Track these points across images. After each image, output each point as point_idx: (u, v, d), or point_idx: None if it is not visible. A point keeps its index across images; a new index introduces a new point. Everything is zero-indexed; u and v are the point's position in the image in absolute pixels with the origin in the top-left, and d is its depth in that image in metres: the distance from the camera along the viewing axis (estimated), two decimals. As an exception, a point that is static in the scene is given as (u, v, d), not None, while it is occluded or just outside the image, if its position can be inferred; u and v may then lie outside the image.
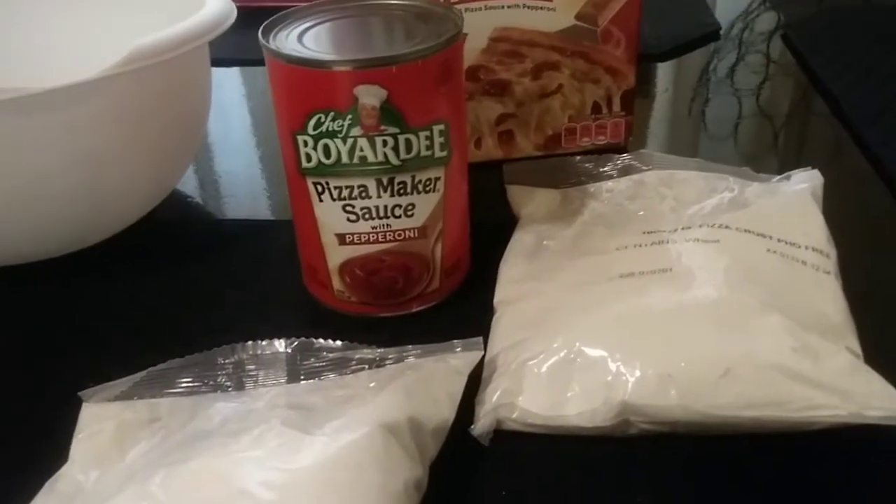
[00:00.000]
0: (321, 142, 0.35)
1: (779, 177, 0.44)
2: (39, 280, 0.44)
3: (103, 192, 0.42)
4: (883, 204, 0.47)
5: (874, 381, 0.31)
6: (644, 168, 0.45)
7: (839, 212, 0.41)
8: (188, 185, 0.53)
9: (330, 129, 0.34)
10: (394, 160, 0.35)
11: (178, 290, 0.43)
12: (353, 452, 0.27)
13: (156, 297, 0.43)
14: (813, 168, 0.43)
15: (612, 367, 0.32)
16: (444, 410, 0.31)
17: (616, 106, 0.52)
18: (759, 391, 0.30)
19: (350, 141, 0.35)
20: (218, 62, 0.69)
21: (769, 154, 0.55)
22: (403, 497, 0.27)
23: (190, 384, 0.35)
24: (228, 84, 0.69)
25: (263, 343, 0.35)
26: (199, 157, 0.57)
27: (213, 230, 0.49)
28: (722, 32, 0.74)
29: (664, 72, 0.67)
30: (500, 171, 0.48)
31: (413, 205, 0.37)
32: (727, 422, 0.31)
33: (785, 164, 0.45)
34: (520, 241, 0.41)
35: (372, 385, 0.32)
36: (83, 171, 0.41)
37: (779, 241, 0.37)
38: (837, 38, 0.68)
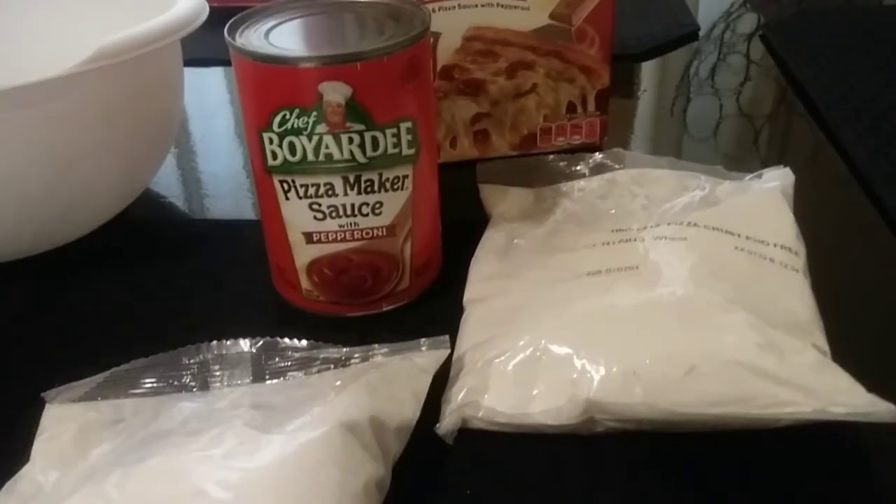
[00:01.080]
0: (286, 139, 0.35)
1: (750, 175, 0.44)
2: (8, 279, 0.44)
3: (73, 191, 0.42)
4: (857, 204, 0.47)
5: (840, 378, 0.31)
6: (616, 167, 0.45)
7: (813, 212, 0.41)
8: (161, 184, 0.53)
9: (295, 126, 0.34)
10: (360, 158, 0.35)
11: (148, 289, 0.43)
12: (312, 451, 0.27)
13: (125, 296, 0.43)
14: (785, 167, 0.43)
15: (578, 364, 0.32)
16: (407, 409, 0.31)
17: (591, 105, 0.52)
18: (723, 388, 0.30)
19: (315, 138, 0.34)
20: (198, 62, 0.69)
21: (748, 154, 0.55)
22: (363, 496, 0.27)
23: (154, 384, 0.34)
24: (209, 84, 0.69)
25: (228, 343, 0.35)
26: (174, 157, 0.57)
27: (186, 230, 0.49)
28: (703, 33, 0.74)
29: (645, 72, 0.67)
30: (475, 170, 0.48)
31: (381, 203, 0.36)
32: (692, 419, 0.31)
33: (765, 164, 0.45)
34: (491, 240, 0.41)
35: (337, 384, 0.31)
36: (52, 169, 0.40)
37: (747, 238, 0.37)
38: (815, 39, 0.68)
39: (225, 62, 0.70)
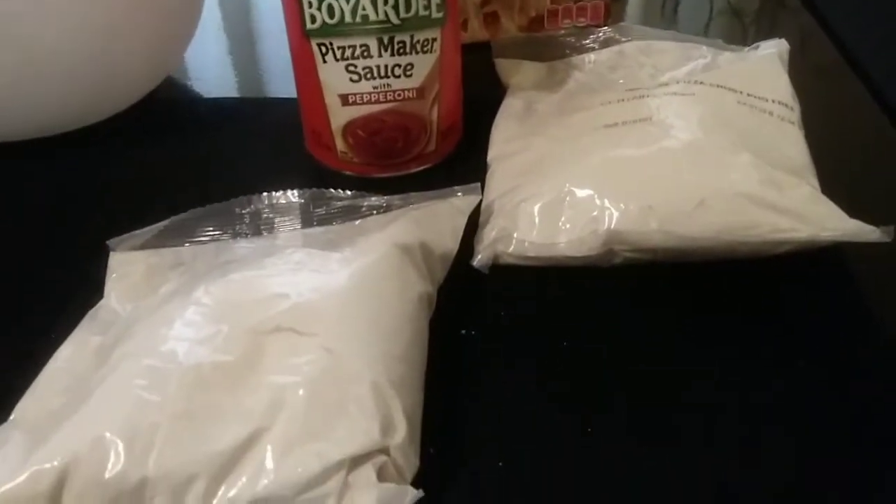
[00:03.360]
0: (325, 2, 0.37)
1: (749, 47, 0.47)
2: (58, 151, 0.46)
3: (109, 66, 0.44)
4: (847, 82, 0.51)
5: (830, 208, 0.34)
6: (623, 40, 0.48)
7: (806, 88, 0.44)
8: (184, 68, 0.55)
9: (334, -12, 0.37)
10: (394, 19, 0.37)
11: (187, 160, 0.46)
12: (374, 265, 0.30)
13: (168, 167, 0.45)
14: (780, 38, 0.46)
15: (598, 202, 0.35)
16: (448, 241, 0.34)
17: (596, -13, 0.54)
18: (730, 218, 0.34)
19: (353, 0, 0.37)
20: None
21: (740, 44, 0.58)
22: (417, 305, 0.30)
23: (210, 232, 0.37)
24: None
25: (277, 194, 0.38)
26: (199, 40, 0.58)
27: (216, 108, 0.51)
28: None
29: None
30: (486, 53, 0.50)
31: (412, 65, 0.39)
32: (702, 246, 0.34)
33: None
34: (510, 106, 0.44)
35: (383, 223, 0.35)
36: (88, 43, 0.43)
37: (748, 95, 0.40)
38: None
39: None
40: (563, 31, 0.49)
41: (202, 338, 0.27)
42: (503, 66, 0.48)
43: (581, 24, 0.55)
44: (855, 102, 0.49)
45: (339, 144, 0.42)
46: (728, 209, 0.34)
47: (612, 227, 0.34)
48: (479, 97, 0.46)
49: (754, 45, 0.47)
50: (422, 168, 0.43)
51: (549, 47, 0.49)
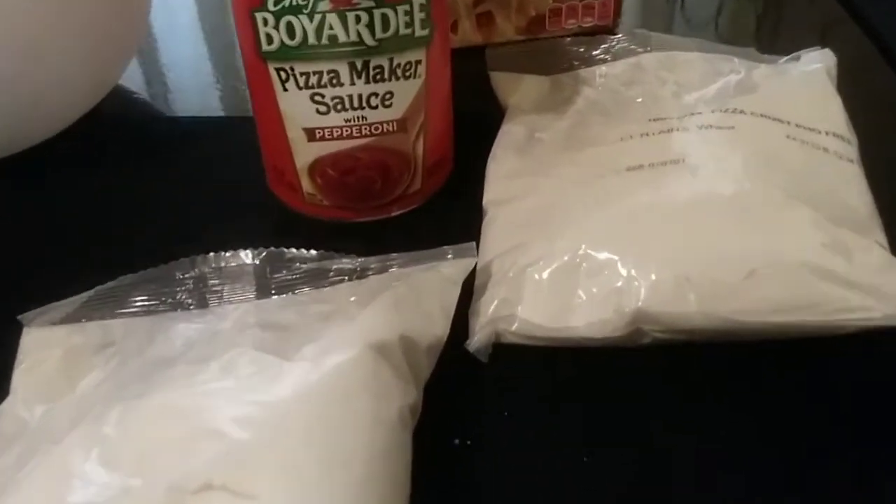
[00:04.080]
0: (283, 19, 0.30)
1: (786, 57, 0.40)
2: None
3: (41, 80, 0.37)
4: (890, 84, 0.44)
5: (910, 279, 0.28)
6: (640, 50, 0.41)
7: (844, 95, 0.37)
8: (134, 80, 0.48)
9: (293, 2, 0.29)
10: (368, 40, 0.30)
11: (129, 194, 0.39)
12: (340, 379, 0.23)
13: (103, 202, 0.38)
14: (824, 47, 0.39)
15: (623, 270, 0.29)
16: (437, 326, 0.27)
17: (605, -17, 0.47)
18: (787, 293, 0.27)
19: (317, 17, 0.30)
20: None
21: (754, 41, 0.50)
22: (398, 424, 0.24)
23: (146, 303, 0.31)
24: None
25: (227, 254, 0.31)
26: (146, 49, 0.51)
27: (166, 128, 0.44)
28: None
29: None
30: (480, 58, 0.43)
31: (391, 93, 0.32)
32: (751, 328, 0.28)
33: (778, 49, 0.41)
34: (509, 134, 0.37)
35: (353, 299, 0.28)
36: (8, 55, 0.35)
37: (797, 126, 0.33)
38: None
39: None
40: (568, 40, 0.42)
41: (106, 502, 0.20)
42: (500, 81, 0.41)
43: (587, 25, 0.48)
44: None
45: (306, 185, 0.35)
46: (784, 282, 0.28)
47: (641, 305, 0.28)
48: (473, 115, 0.39)
49: (793, 55, 0.40)
50: (405, 211, 0.36)
51: (552, 57, 0.42)
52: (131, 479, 0.21)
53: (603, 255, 0.29)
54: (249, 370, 0.24)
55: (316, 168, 0.34)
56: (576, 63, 0.41)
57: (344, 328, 0.25)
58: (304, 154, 0.34)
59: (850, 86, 0.37)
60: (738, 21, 0.53)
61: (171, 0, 0.56)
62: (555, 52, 0.42)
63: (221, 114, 0.45)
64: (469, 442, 0.27)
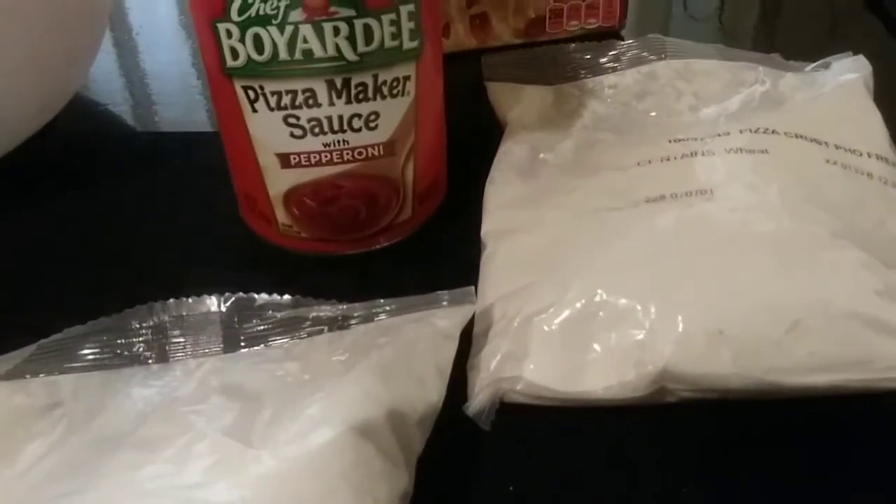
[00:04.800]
0: (250, 31, 0.26)
1: (814, 65, 0.36)
2: None
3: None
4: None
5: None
6: (653, 57, 0.37)
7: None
8: (98, 90, 0.43)
9: (261, 12, 0.25)
10: (349, 54, 0.26)
11: (83, 224, 0.35)
12: (315, 471, 0.19)
13: (53, 232, 0.34)
14: (857, 54, 0.36)
15: (645, 321, 0.25)
16: (431, 392, 0.23)
17: (611, -20, 0.43)
18: (837, 349, 0.24)
19: (289, 29, 0.26)
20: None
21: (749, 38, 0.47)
22: (387, 522, 0.20)
23: (98, 356, 0.27)
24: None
25: (190, 301, 0.27)
26: (110, 55, 0.47)
27: (128, 145, 0.40)
28: None
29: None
30: (474, 64, 0.39)
31: (376, 114, 0.28)
32: (795, 388, 0.24)
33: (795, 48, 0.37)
34: (509, 155, 0.33)
35: (334, 359, 0.24)
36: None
37: (837, 148, 0.29)
38: None
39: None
40: (573, 46, 0.38)
41: None
42: (498, 93, 0.37)
43: (591, 26, 0.44)
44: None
45: (280, 215, 0.31)
46: (833, 336, 0.24)
47: (667, 364, 0.24)
48: (467, 131, 0.35)
49: (821, 62, 0.36)
50: (393, 242, 0.32)
51: (555, 64, 0.38)
52: None
53: (622, 303, 0.25)
54: (207, 461, 0.20)
55: (292, 197, 0.30)
56: (582, 72, 0.37)
57: (321, 402, 0.21)
58: (278, 182, 0.30)
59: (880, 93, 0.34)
60: (741, 14, 0.49)
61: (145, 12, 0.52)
62: (558, 60, 0.38)
63: (191, 129, 0.40)
64: (470, 530, 0.23)
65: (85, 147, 0.40)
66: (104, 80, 0.45)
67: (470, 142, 0.35)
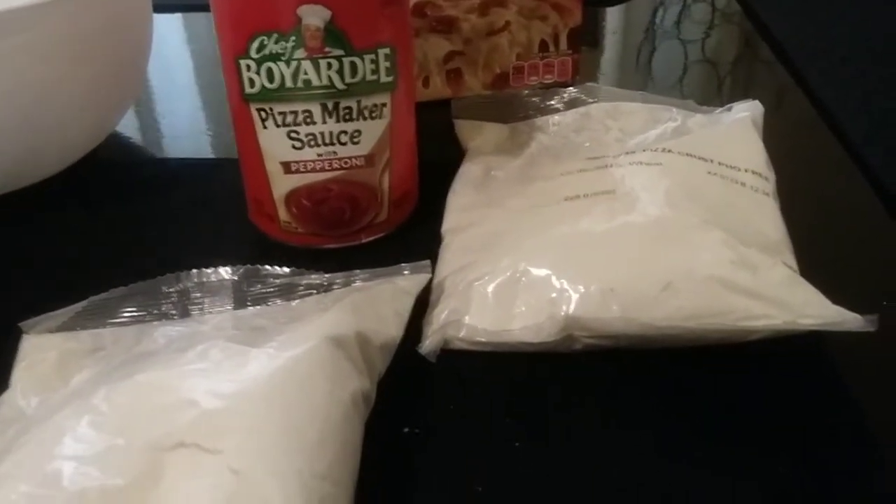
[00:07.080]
0: (264, 65, 0.34)
1: (721, 108, 0.44)
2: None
3: (44, 126, 0.41)
4: (822, 139, 0.48)
5: (808, 292, 0.32)
6: (590, 101, 0.45)
7: (780, 146, 0.42)
8: (129, 126, 0.52)
9: (273, 51, 0.34)
10: (338, 84, 0.35)
11: (121, 227, 0.43)
12: (300, 363, 0.27)
13: (98, 234, 0.42)
14: (754, 100, 0.44)
15: (557, 284, 0.32)
16: (391, 328, 0.31)
17: (563, 44, 0.52)
18: (699, 303, 0.31)
19: (294, 64, 0.34)
20: (160, 7, 0.68)
21: (714, 98, 0.55)
22: (350, 405, 0.27)
23: (134, 313, 0.34)
24: (171, 30, 0.68)
25: (208, 271, 0.35)
26: (141, 101, 0.56)
27: (157, 169, 0.48)
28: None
29: (612, 17, 0.67)
30: (449, 109, 0.48)
31: (359, 131, 0.36)
32: (668, 333, 0.31)
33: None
34: (468, 172, 0.41)
35: (318, 307, 0.32)
36: (22, 103, 0.40)
37: (719, 164, 0.37)
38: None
39: (186, 7, 0.69)
40: (526, 91, 0.47)
41: (93, 455, 0.24)
42: (463, 127, 0.45)
43: (548, 81, 0.53)
44: (834, 165, 0.46)
45: (282, 214, 0.39)
46: (697, 293, 0.31)
47: (571, 312, 0.31)
48: (440, 159, 0.43)
49: (727, 106, 0.44)
50: (372, 238, 0.40)
51: (512, 107, 0.46)
52: (116, 438, 0.24)
53: (540, 272, 0.33)
54: (221, 356, 0.27)
55: (291, 198, 0.38)
56: (532, 112, 0.46)
57: (306, 325, 0.29)
58: (281, 185, 0.38)
59: (791, 138, 0.41)
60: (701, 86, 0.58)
61: (168, 57, 0.62)
62: (514, 103, 0.46)
63: (209, 156, 0.49)
64: (418, 431, 0.30)
65: (120, 170, 0.48)
66: (135, 120, 0.54)
67: (439, 165, 0.43)
